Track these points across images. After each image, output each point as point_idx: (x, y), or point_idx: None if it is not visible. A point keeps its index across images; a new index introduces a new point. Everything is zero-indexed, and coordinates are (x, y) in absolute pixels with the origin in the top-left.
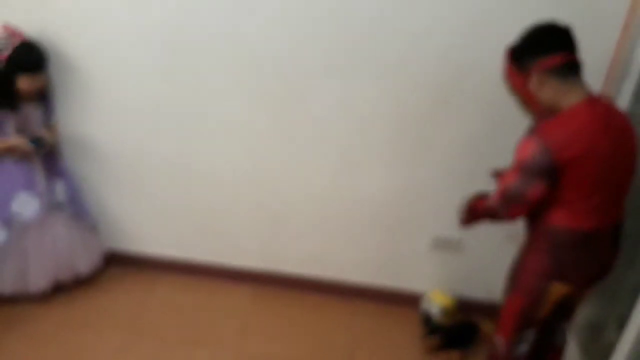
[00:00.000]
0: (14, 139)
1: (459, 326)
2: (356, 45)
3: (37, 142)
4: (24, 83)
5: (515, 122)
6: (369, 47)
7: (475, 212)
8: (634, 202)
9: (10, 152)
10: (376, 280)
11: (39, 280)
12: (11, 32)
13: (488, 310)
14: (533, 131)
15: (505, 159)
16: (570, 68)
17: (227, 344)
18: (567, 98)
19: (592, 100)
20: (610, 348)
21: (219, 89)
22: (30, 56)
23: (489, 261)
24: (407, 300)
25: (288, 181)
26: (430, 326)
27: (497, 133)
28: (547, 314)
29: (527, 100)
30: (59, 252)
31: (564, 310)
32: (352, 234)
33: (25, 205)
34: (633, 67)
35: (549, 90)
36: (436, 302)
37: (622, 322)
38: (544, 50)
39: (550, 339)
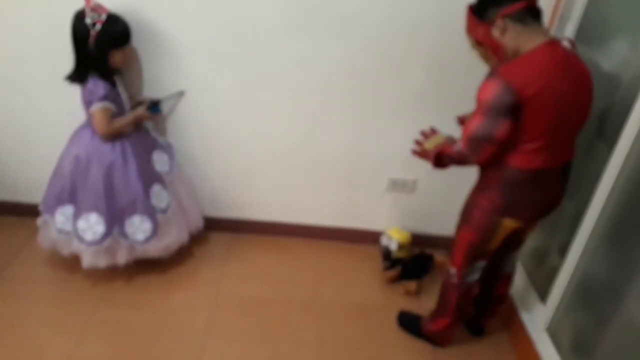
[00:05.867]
0: (137, 110)
1: (415, 259)
2: (311, 4)
3: (154, 106)
4: (117, 57)
5: (458, 73)
6: (324, 6)
7: (443, 158)
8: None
9: (136, 122)
10: (339, 223)
11: (185, 233)
12: (95, 5)
13: (441, 243)
14: (493, 73)
15: (450, 107)
16: (531, 14)
17: (204, 288)
18: (529, 42)
19: (552, 43)
20: (553, 273)
21: (186, 48)
22: (121, 29)
23: (440, 199)
24: (368, 238)
25: (254, 135)
26: (389, 260)
27: (442, 84)
28: (497, 246)
29: (491, 50)
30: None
31: (514, 241)
32: (316, 182)
33: (162, 163)
34: (575, 9)
35: (511, 36)
36: (394, 238)
37: (563, 249)
38: None
39: (500, 267)
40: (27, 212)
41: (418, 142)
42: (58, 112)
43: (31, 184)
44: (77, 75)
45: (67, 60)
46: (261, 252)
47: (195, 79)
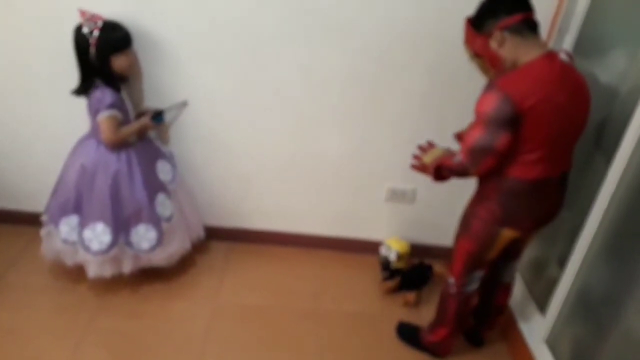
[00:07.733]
0: (141, 120)
1: (414, 269)
2: (310, 12)
3: (157, 116)
4: (120, 61)
5: (458, 84)
6: (325, 14)
7: (442, 170)
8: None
9: (140, 131)
10: (338, 232)
11: (188, 242)
12: (90, 16)
13: (440, 253)
14: (492, 85)
15: (450, 118)
16: (529, 26)
17: (203, 297)
18: (526, 54)
19: (549, 55)
20: (552, 284)
21: (186, 58)
22: (119, 33)
23: (440, 210)
24: (366, 248)
25: (253, 144)
26: (388, 270)
27: (442, 94)
28: (495, 256)
29: (489, 61)
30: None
31: (512, 251)
32: (315, 191)
33: (165, 173)
34: (573, 21)
35: (509, 48)
36: (393, 248)
37: (562, 260)
38: (504, 11)
39: (499, 277)
40: (25, 220)
41: (416, 157)
42: (57, 121)
43: (29, 192)
44: (84, 88)
45: (67, 69)
46: (260, 261)
47: (195, 88)
